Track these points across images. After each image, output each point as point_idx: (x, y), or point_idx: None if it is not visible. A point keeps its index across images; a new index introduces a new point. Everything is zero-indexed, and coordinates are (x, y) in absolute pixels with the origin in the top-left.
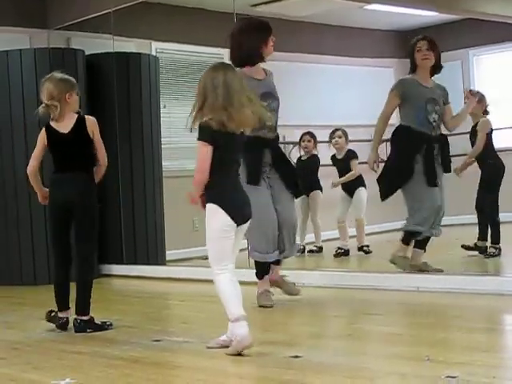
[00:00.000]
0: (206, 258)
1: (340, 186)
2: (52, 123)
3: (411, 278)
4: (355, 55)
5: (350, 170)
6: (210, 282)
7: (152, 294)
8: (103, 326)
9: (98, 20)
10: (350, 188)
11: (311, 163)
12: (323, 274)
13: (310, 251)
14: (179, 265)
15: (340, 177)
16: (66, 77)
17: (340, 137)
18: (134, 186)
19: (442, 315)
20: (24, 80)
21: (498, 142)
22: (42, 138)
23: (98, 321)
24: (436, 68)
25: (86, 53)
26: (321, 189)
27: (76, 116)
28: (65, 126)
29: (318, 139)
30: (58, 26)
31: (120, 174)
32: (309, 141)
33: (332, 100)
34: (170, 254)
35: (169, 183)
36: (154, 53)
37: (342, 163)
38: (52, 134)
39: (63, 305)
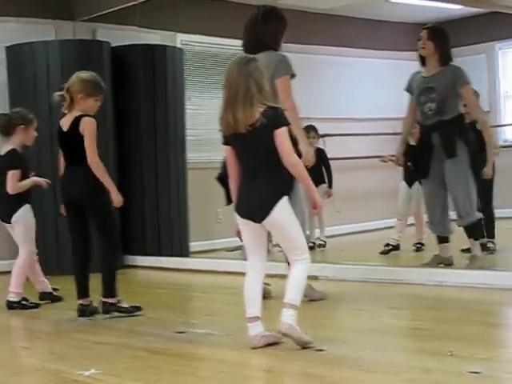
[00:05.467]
0: (230, 250)
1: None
2: (61, 120)
3: (434, 273)
4: (379, 48)
5: None
6: (233, 274)
7: (175, 286)
8: (131, 310)
9: (124, 12)
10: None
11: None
12: (344, 267)
13: (319, 245)
14: (202, 256)
15: None
16: (93, 80)
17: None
18: (158, 178)
19: (466, 310)
20: (50, 72)
21: None
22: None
23: (126, 304)
24: (442, 58)
25: (112, 45)
26: (324, 182)
27: (77, 115)
28: (66, 124)
29: (339, 132)
30: (83, 17)
31: (144, 165)
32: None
33: (355, 93)
34: (193, 246)
35: (193, 175)
36: (178, 45)
37: None
38: (58, 130)
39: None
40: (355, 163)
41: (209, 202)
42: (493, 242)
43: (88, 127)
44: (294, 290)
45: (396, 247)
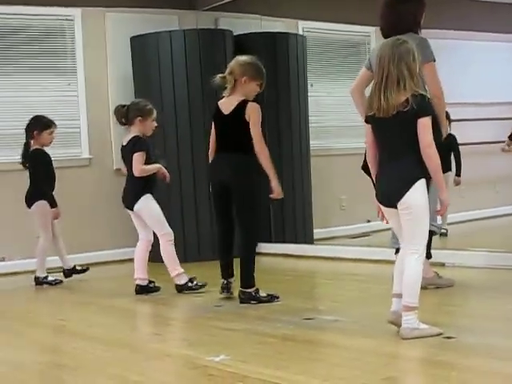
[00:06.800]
0: (354, 237)
1: None
2: (220, 103)
3: None
4: (500, 31)
5: None
6: (357, 260)
7: (300, 273)
8: (267, 299)
9: (246, 0)
10: None
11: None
12: (471, 254)
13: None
14: (326, 243)
15: None
16: (256, 63)
17: None
18: (282, 166)
19: None
20: (174, 61)
21: None
22: None
23: (263, 293)
24: None
25: (234, 33)
26: (451, 170)
27: (241, 100)
28: (227, 107)
29: (464, 117)
30: (206, 6)
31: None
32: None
33: (479, 77)
34: (316, 233)
35: (316, 162)
36: (300, 32)
37: None
38: (216, 113)
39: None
40: (480, 148)
41: (332, 189)
42: None
43: (254, 114)
44: (408, 291)
45: None
